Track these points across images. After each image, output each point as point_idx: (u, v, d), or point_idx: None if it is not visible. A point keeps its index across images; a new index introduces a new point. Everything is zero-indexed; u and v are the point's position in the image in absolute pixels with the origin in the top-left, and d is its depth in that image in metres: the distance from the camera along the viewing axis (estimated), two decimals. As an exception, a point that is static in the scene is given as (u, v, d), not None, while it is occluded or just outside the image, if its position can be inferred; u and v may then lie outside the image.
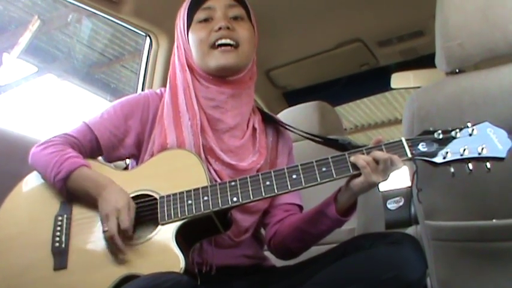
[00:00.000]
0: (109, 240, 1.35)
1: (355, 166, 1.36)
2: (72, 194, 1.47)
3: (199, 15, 1.58)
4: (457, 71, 1.68)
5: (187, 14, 1.60)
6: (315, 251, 1.55)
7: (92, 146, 1.58)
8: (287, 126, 1.73)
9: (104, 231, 1.37)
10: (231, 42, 1.55)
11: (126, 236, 1.36)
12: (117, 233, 1.34)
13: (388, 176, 1.36)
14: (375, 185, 1.36)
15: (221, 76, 1.57)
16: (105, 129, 1.58)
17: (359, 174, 1.36)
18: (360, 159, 1.35)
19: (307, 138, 1.75)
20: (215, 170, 1.53)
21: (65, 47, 4.14)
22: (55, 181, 1.46)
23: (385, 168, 1.34)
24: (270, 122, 1.73)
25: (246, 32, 1.58)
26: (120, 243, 1.34)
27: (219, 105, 1.57)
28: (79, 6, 2.44)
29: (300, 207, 1.67)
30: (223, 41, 1.54)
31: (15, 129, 2.08)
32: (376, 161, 1.34)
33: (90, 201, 1.44)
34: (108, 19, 2.59)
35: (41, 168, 1.51)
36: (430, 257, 1.77)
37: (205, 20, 1.58)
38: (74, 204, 1.47)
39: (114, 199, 1.38)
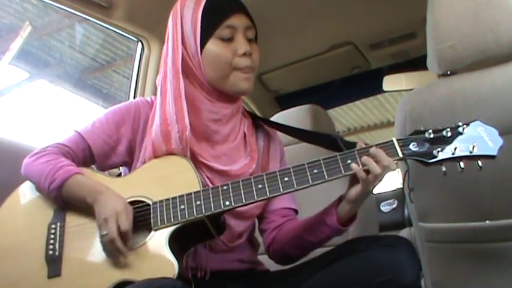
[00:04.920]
0: (109, 243, 1.34)
1: (346, 167, 1.35)
2: (67, 202, 1.46)
3: (223, 32, 1.52)
4: (449, 72, 1.69)
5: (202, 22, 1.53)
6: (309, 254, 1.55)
7: (84, 154, 1.57)
8: (278, 126, 1.73)
9: (102, 235, 1.36)
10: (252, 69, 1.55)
11: (126, 239, 1.35)
12: (118, 235, 1.34)
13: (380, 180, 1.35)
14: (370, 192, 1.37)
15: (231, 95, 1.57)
16: (97, 138, 1.57)
17: (352, 177, 1.37)
18: (360, 171, 1.34)
19: (297, 136, 1.75)
20: (208, 178, 1.52)
21: (57, 52, 4.14)
22: (50, 190, 1.45)
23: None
24: (260, 126, 1.73)
25: (257, 56, 1.58)
26: (121, 245, 1.34)
27: (221, 118, 1.56)
28: (70, 12, 2.43)
29: (296, 212, 1.67)
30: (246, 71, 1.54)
31: (7, 136, 2.06)
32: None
33: (85, 209, 1.43)
34: (100, 24, 2.58)
35: (34, 178, 1.51)
36: (424, 258, 1.78)
37: (228, 40, 1.53)
38: (67, 213, 1.47)
39: (112, 203, 1.38)
